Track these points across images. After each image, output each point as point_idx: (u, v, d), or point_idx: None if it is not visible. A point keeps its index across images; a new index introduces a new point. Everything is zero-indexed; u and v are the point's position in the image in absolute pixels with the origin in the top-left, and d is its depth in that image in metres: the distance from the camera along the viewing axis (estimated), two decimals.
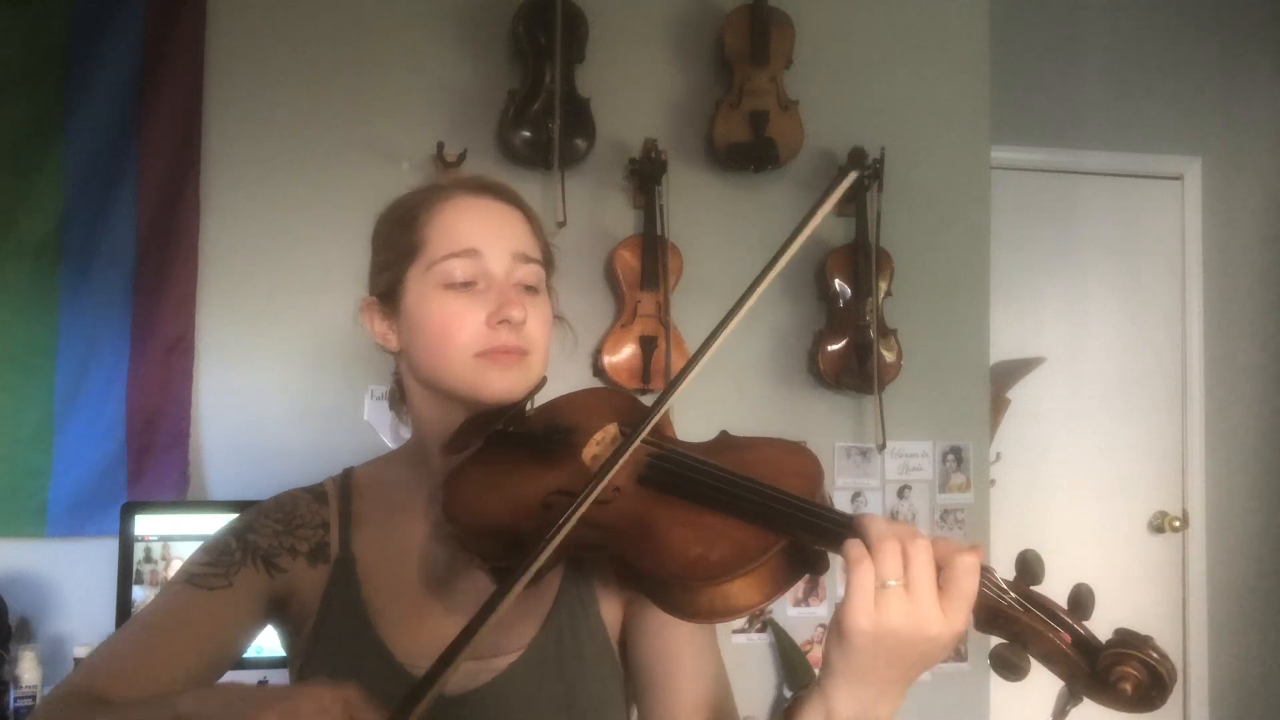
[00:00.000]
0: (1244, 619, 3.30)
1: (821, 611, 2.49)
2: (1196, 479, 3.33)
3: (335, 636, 0.91)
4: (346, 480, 1.01)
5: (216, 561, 0.91)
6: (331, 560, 0.95)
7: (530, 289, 0.95)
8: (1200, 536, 3.32)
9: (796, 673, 2.40)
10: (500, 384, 0.91)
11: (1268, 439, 3.30)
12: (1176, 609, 3.32)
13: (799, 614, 2.47)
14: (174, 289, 2.20)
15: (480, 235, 0.93)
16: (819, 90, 2.52)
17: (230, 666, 0.91)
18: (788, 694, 2.39)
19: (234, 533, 0.94)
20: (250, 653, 0.97)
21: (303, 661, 0.92)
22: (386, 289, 0.96)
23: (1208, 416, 3.34)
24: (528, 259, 0.95)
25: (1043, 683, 0.70)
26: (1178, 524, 3.29)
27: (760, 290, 0.80)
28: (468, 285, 0.92)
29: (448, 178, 1.01)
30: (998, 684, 2.57)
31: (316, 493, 1.00)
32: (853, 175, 0.86)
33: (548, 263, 1.00)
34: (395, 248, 0.96)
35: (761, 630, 2.44)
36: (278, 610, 0.94)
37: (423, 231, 0.94)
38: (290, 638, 0.96)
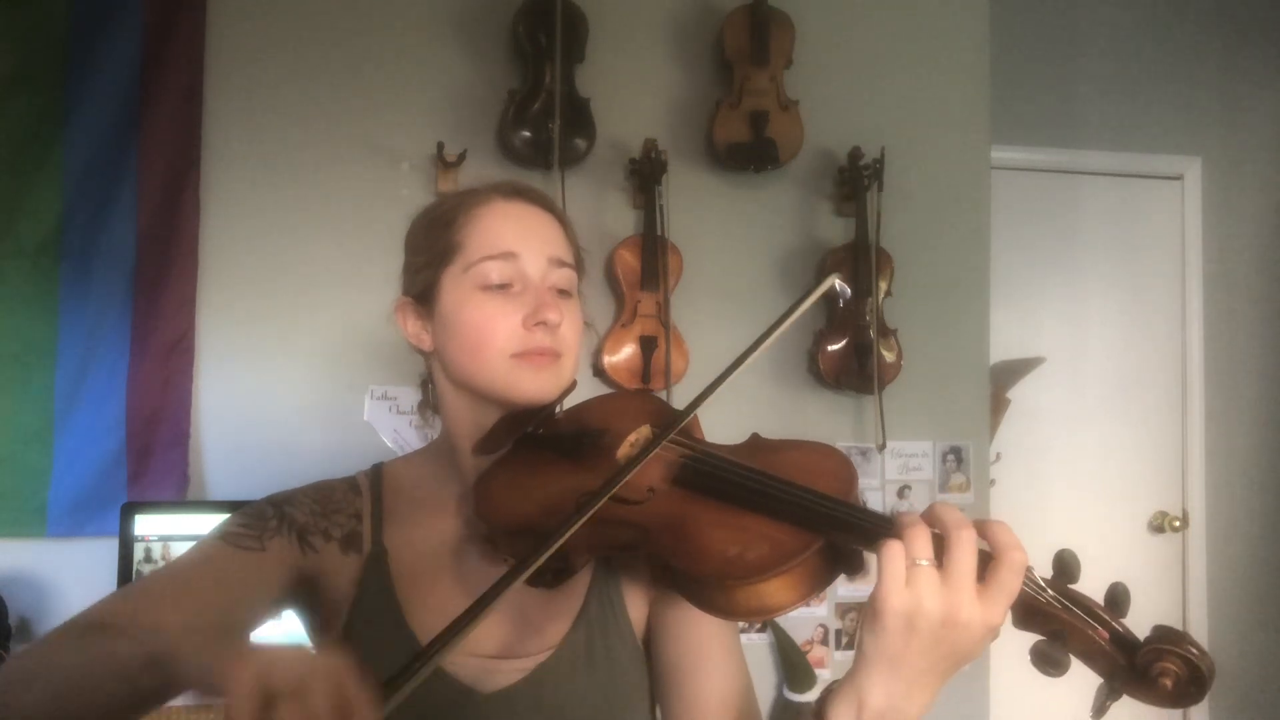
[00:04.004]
0: (1244, 619, 3.30)
1: (822, 612, 2.49)
2: (1196, 479, 3.33)
3: (369, 631, 0.92)
4: (377, 475, 1.02)
5: (252, 525, 0.92)
6: (365, 553, 0.95)
7: (564, 293, 0.97)
8: (1200, 536, 3.32)
9: (796, 672, 2.40)
10: (533, 385, 0.93)
11: (1268, 439, 3.30)
12: (1176, 609, 3.32)
13: (799, 614, 2.46)
14: (174, 289, 2.20)
15: (518, 239, 0.95)
16: (819, 90, 2.52)
17: (248, 632, 0.90)
18: (788, 694, 2.39)
19: (273, 503, 0.96)
20: None
21: None
22: (422, 290, 0.97)
23: (1208, 416, 3.34)
24: (562, 263, 0.97)
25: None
26: (1178, 524, 3.30)
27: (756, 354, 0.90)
28: (504, 287, 0.93)
29: (484, 182, 1.02)
30: (997, 685, 2.57)
31: (350, 484, 1.01)
32: (833, 279, 1.00)
33: (580, 268, 1.01)
34: (431, 249, 0.97)
35: (761, 630, 2.44)
36: (305, 590, 0.94)
37: (460, 234, 0.95)
38: (319, 632, 0.96)
